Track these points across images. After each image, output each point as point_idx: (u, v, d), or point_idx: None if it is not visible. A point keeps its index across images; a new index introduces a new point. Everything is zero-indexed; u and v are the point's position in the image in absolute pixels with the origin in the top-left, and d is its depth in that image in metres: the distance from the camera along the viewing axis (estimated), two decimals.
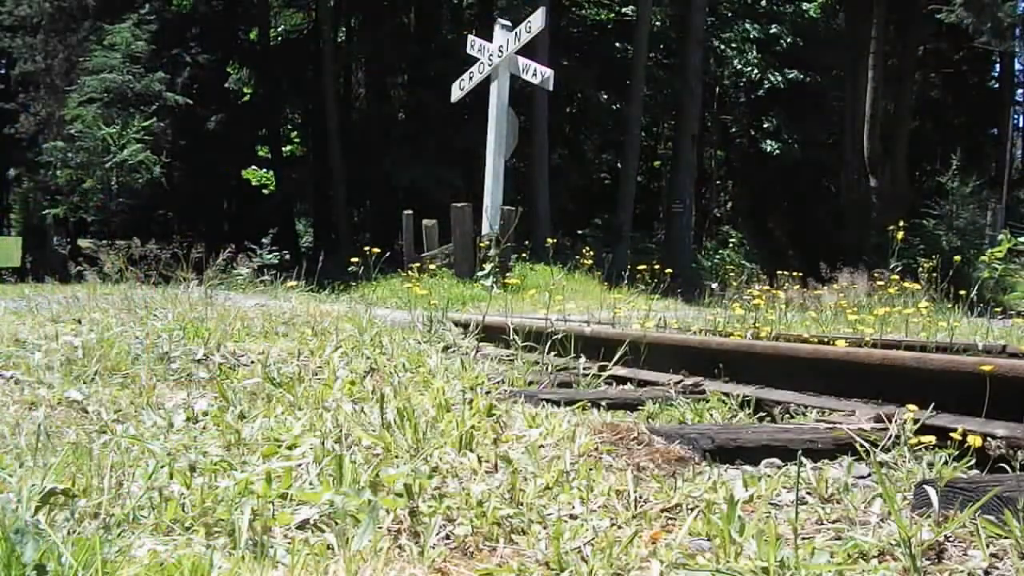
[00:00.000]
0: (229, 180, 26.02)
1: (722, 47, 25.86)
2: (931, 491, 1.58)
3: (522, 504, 1.67)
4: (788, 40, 24.89)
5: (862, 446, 2.05)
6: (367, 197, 24.92)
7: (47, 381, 2.89)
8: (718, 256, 23.74)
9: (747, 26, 25.34)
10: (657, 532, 1.52)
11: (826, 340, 3.91)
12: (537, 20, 11.12)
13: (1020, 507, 1.47)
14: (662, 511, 1.68)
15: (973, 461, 1.99)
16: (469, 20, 26.61)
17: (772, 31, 25.04)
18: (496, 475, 1.85)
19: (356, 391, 2.75)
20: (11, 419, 2.29)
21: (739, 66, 25.55)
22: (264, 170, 27.26)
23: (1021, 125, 35.44)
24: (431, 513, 1.57)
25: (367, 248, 6.67)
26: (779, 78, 24.49)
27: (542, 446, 2.07)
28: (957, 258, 7.69)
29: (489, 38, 11.75)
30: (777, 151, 25.22)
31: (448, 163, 21.47)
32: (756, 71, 24.93)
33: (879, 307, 5.64)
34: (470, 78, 11.97)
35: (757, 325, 4.80)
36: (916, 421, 2.17)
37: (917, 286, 6.69)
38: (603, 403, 2.84)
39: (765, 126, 25.92)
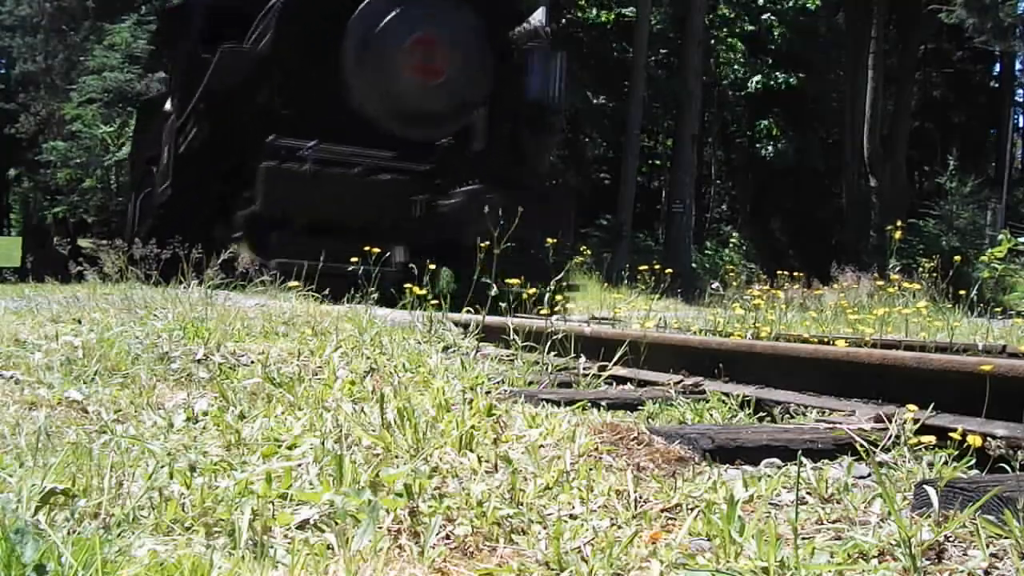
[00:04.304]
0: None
1: (723, 49, 25.85)
2: (931, 491, 1.58)
3: (522, 504, 1.67)
4: (787, 40, 24.87)
5: (862, 446, 2.05)
6: None
7: (47, 381, 2.89)
8: (718, 256, 23.74)
9: (745, 26, 25.31)
10: (657, 532, 1.52)
11: (826, 340, 3.91)
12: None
13: (1020, 507, 1.46)
14: (662, 511, 1.68)
15: (973, 461, 1.99)
16: None
17: (768, 26, 24.97)
18: (496, 475, 1.84)
19: (356, 391, 2.74)
20: (11, 419, 2.29)
21: (738, 71, 25.54)
22: None
23: (1021, 125, 35.51)
24: (431, 513, 1.57)
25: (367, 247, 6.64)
26: (775, 82, 24.47)
27: (542, 446, 2.07)
28: (957, 258, 7.68)
29: None
30: (777, 151, 25.20)
31: None
32: (754, 77, 24.89)
33: (879, 307, 5.64)
34: None
35: (757, 325, 4.80)
36: (916, 421, 2.17)
37: (917, 286, 6.69)
38: (603, 403, 2.84)
39: (765, 125, 25.91)
